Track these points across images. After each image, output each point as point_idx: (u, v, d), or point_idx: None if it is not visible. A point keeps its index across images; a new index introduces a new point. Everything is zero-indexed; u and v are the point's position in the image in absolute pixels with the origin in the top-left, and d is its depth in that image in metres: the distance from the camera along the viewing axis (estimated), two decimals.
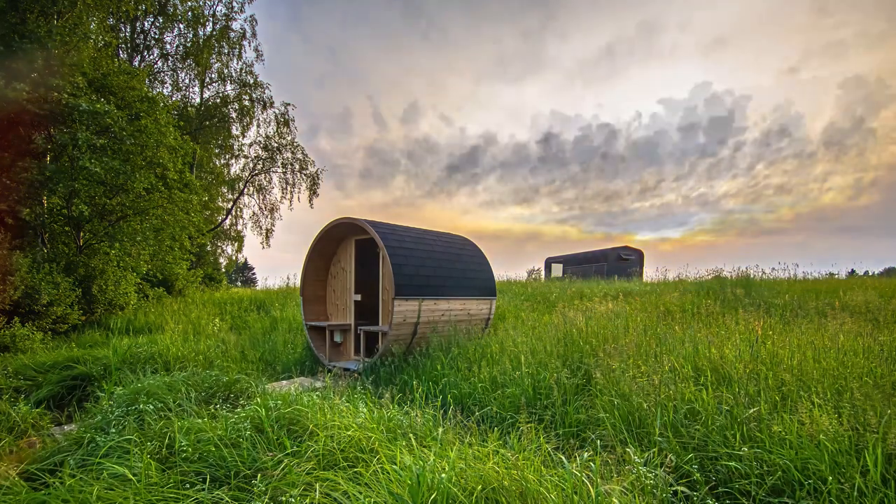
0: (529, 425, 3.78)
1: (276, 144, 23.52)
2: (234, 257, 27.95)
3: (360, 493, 2.60)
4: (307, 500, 2.63)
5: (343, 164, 49.77)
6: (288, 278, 18.33)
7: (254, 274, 53.80)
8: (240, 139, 23.81)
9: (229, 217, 24.74)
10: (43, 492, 2.88)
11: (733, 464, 2.94)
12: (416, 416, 4.01)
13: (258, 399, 4.32)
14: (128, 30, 19.07)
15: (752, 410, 3.40)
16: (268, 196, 24.43)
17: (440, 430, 3.55)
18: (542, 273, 25.86)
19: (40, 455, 3.97)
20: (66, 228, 12.15)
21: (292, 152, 23.78)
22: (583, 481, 2.49)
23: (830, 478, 2.62)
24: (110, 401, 4.69)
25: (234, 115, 22.53)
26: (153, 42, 19.96)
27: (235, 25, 21.74)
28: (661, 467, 2.89)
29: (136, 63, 19.32)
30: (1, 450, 4.13)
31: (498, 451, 2.95)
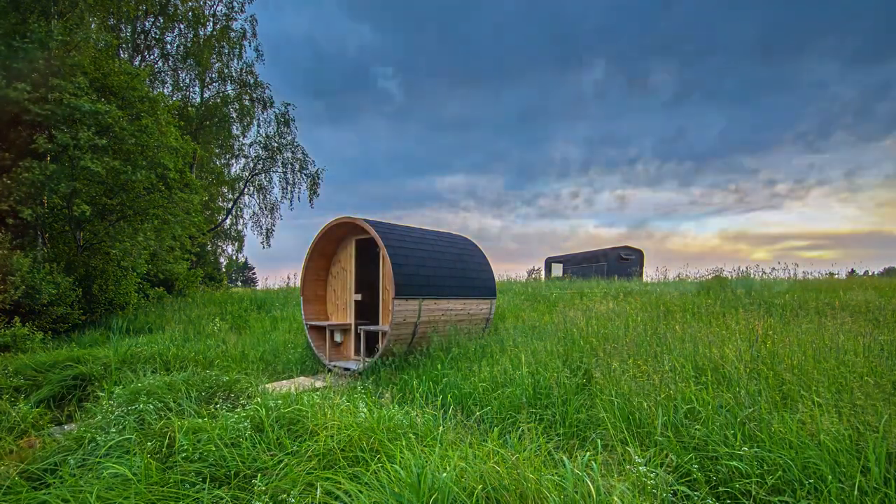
0: (530, 425, 3.78)
1: (276, 144, 23.54)
2: (234, 257, 28.00)
3: (362, 492, 2.60)
4: (308, 500, 2.63)
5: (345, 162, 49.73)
6: (288, 278, 18.36)
7: (254, 274, 53.85)
8: (240, 139, 23.85)
9: (229, 217, 24.77)
10: (43, 491, 2.88)
11: (734, 463, 2.94)
12: (417, 415, 4.01)
13: (258, 399, 4.33)
14: (128, 30, 19.08)
15: (751, 409, 3.40)
16: (268, 196, 24.47)
17: (441, 429, 3.55)
18: (543, 273, 25.87)
19: (40, 455, 3.97)
20: (67, 228, 12.16)
21: (292, 152, 23.81)
22: (584, 481, 2.49)
23: (830, 477, 2.62)
24: (110, 400, 4.70)
25: (234, 114, 22.54)
26: (154, 42, 19.97)
27: (236, 25, 21.75)
28: (661, 467, 2.89)
29: (137, 63, 19.32)
30: (1, 449, 4.14)
31: (498, 451, 2.95)
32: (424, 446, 3.25)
